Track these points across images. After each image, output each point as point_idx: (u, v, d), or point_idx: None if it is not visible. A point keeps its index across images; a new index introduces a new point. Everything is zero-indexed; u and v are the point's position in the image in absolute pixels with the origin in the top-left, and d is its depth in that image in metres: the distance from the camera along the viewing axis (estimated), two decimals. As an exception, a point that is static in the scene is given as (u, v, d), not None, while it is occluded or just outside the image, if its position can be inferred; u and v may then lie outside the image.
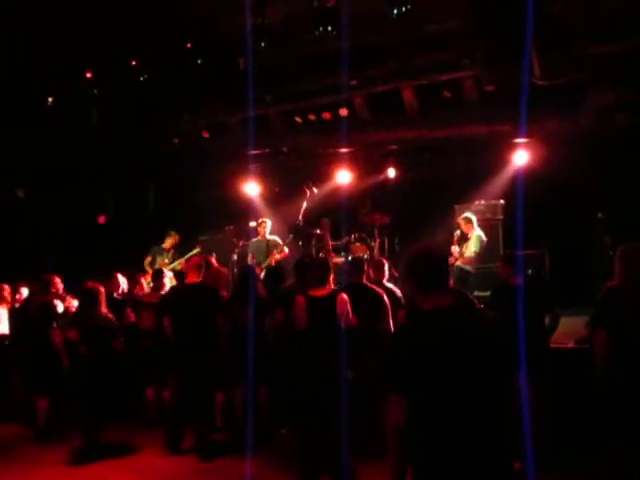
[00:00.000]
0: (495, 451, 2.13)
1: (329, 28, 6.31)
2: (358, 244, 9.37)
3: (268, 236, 9.30)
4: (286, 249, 9.12)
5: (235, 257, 9.94)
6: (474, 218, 8.52)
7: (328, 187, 10.35)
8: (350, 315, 4.88)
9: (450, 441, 2.10)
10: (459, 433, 2.10)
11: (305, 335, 4.80)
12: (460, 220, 8.52)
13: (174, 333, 5.65)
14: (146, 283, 7.86)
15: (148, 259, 9.25)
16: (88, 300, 5.81)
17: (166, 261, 9.20)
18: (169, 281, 6.99)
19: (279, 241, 9.22)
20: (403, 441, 2.16)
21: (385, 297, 5.40)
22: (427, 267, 2.30)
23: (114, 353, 5.78)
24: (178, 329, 5.63)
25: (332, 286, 5.10)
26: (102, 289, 5.93)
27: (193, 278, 5.79)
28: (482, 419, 2.11)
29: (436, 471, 2.13)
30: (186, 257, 9.40)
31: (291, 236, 9.33)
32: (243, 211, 10.42)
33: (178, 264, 9.25)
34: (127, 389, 6.36)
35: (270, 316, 5.56)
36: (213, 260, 6.55)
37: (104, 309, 5.82)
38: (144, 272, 8.90)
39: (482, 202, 9.47)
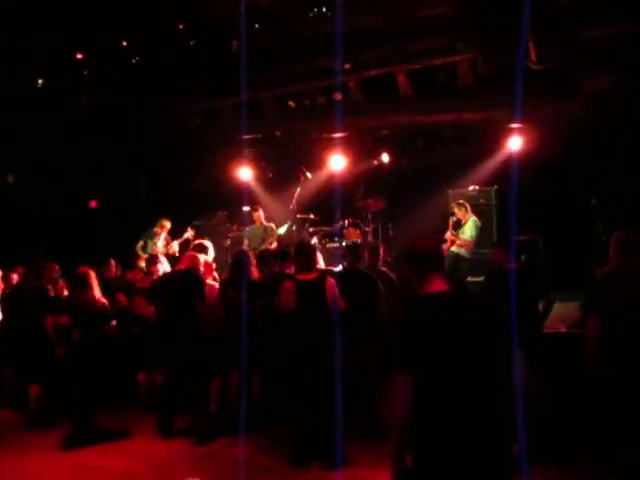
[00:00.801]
0: (497, 433, 2.17)
1: (323, 9, 6.21)
2: (352, 229, 9.36)
3: (264, 222, 9.29)
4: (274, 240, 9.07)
5: (228, 242, 9.92)
6: (467, 204, 8.53)
7: (321, 172, 10.30)
8: (339, 300, 4.92)
9: (454, 423, 2.14)
10: (464, 414, 2.14)
11: (294, 319, 4.84)
12: (454, 207, 8.51)
13: (159, 319, 5.67)
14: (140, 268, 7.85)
15: (140, 243, 9.22)
16: (79, 285, 5.76)
17: (158, 245, 9.16)
18: (162, 267, 6.95)
19: (275, 228, 9.20)
20: (408, 423, 2.18)
21: (379, 284, 5.42)
22: (424, 252, 2.37)
23: (106, 338, 5.74)
24: (162, 315, 5.68)
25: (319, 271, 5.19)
26: (93, 273, 5.90)
27: (182, 266, 5.85)
28: (485, 401, 2.16)
29: (439, 453, 2.15)
30: (179, 241, 9.38)
31: (289, 222, 9.33)
32: (236, 196, 10.36)
33: (170, 248, 9.22)
34: (119, 374, 6.34)
35: (260, 301, 5.57)
36: (203, 244, 6.52)
37: (96, 293, 5.78)
38: (136, 256, 8.87)
39: (476, 187, 9.46)
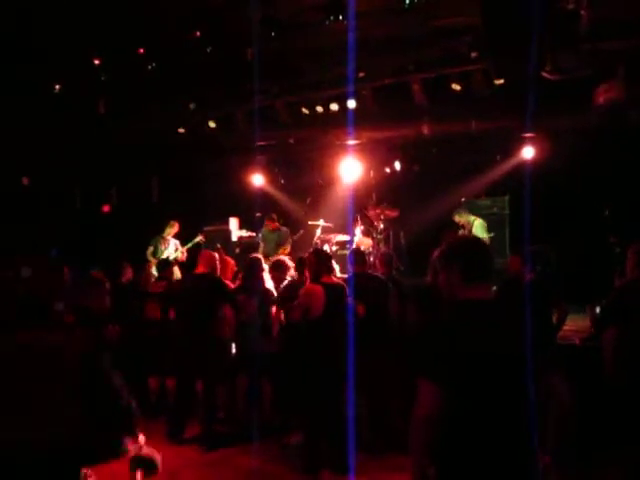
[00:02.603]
0: (530, 444, 2.13)
1: (340, 18, 6.23)
2: (364, 237, 9.35)
3: (279, 228, 9.26)
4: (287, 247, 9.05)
5: (238, 250, 9.94)
6: (465, 210, 8.43)
7: (334, 179, 10.31)
8: (358, 306, 4.91)
9: (485, 435, 2.09)
10: (496, 427, 2.09)
11: (322, 322, 4.76)
12: (455, 217, 8.44)
13: (179, 324, 5.66)
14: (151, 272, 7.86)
15: (150, 249, 9.22)
16: (88, 289, 5.83)
17: (169, 250, 9.18)
18: (175, 271, 6.97)
19: (289, 234, 9.18)
20: (432, 433, 2.11)
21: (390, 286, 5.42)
22: (476, 257, 2.30)
23: (105, 340, 5.71)
24: (183, 320, 5.64)
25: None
26: (104, 279, 5.98)
27: (201, 269, 5.80)
28: (517, 414, 2.12)
29: (467, 465, 2.11)
30: (188, 246, 9.40)
31: (301, 231, 9.33)
32: (248, 202, 10.40)
33: (180, 253, 9.24)
34: (129, 378, 6.34)
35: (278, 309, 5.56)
36: (219, 250, 6.55)
37: (105, 299, 5.82)
38: (147, 262, 8.90)
39: (489, 197, 9.43)
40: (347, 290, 4.90)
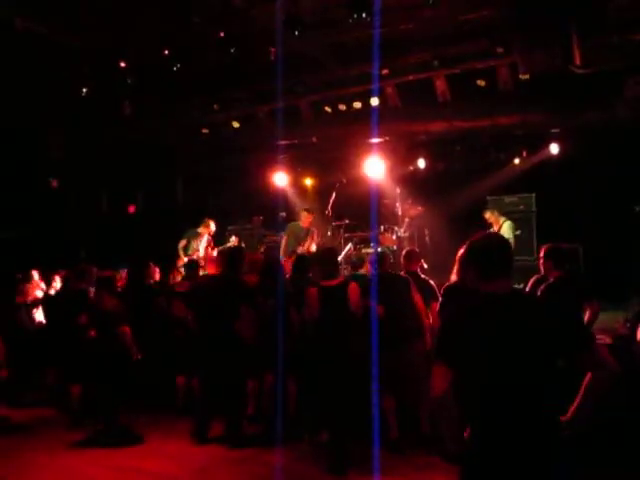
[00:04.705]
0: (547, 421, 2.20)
1: (363, 15, 6.20)
2: (387, 235, 9.30)
3: (309, 226, 9.18)
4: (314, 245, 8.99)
5: (262, 249, 9.96)
6: (496, 211, 8.41)
7: (358, 177, 10.27)
8: (378, 308, 4.90)
9: (495, 423, 2.18)
10: (513, 404, 2.16)
11: (318, 324, 4.92)
12: (486, 213, 8.38)
13: (197, 325, 5.71)
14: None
15: (182, 242, 9.14)
16: (101, 286, 5.96)
17: (200, 247, 9.14)
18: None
19: (316, 234, 9.11)
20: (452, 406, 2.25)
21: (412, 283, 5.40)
22: (495, 255, 2.35)
23: (119, 338, 5.77)
24: (201, 321, 5.69)
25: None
26: (114, 278, 6.21)
27: (212, 270, 5.93)
28: (539, 396, 2.18)
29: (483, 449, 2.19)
30: (222, 248, 9.34)
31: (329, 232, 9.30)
32: (272, 201, 10.43)
33: (210, 249, 9.21)
34: (158, 377, 6.42)
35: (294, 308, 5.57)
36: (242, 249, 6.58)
37: (113, 297, 5.93)
38: (176, 257, 8.89)
39: (515, 194, 9.30)
40: (347, 292, 4.89)
